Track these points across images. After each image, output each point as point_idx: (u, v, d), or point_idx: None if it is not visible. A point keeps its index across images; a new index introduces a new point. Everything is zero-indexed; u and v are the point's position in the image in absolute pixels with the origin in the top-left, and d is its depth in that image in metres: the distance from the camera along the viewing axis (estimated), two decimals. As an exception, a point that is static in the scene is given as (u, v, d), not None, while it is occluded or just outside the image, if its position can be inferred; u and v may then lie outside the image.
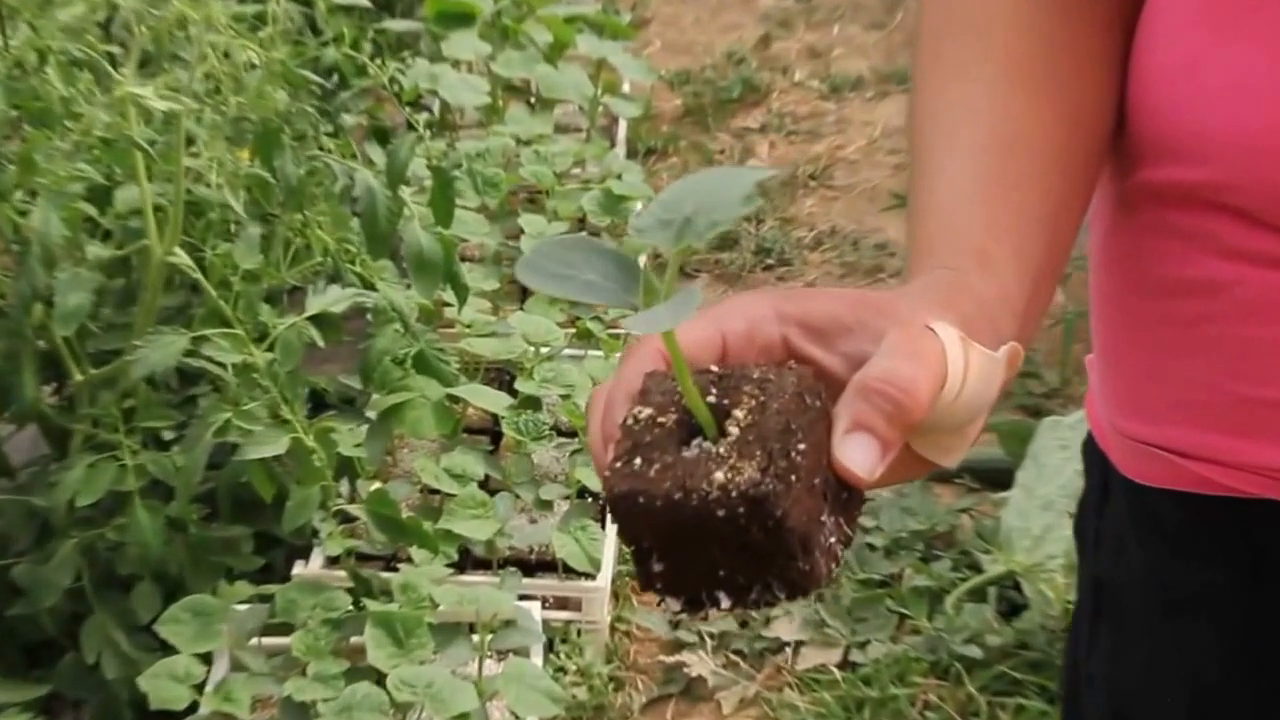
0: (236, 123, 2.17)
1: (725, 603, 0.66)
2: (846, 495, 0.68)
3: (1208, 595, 0.96)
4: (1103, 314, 0.97)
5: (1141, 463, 0.95)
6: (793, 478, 0.64)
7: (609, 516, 0.68)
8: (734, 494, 0.63)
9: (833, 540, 0.67)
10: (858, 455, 0.67)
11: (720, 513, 0.63)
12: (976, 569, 2.59)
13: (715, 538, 0.64)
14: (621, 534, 0.66)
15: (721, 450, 0.64)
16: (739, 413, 0.66)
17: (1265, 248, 0.82)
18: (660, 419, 0.67)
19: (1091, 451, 1.04)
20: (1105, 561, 1.03)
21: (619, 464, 0.65)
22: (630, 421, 0.67)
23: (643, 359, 0.71)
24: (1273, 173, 0.80)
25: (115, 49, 2.14)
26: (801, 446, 0.65)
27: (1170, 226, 0.87)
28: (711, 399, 0.67)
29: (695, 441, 0.66)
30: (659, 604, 0.68)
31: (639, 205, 3.17)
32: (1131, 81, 0.88)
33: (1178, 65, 0.83)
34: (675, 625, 2.52)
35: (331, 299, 2.11)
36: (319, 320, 2.12)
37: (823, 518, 0.67)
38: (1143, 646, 0.99)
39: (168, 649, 1.97)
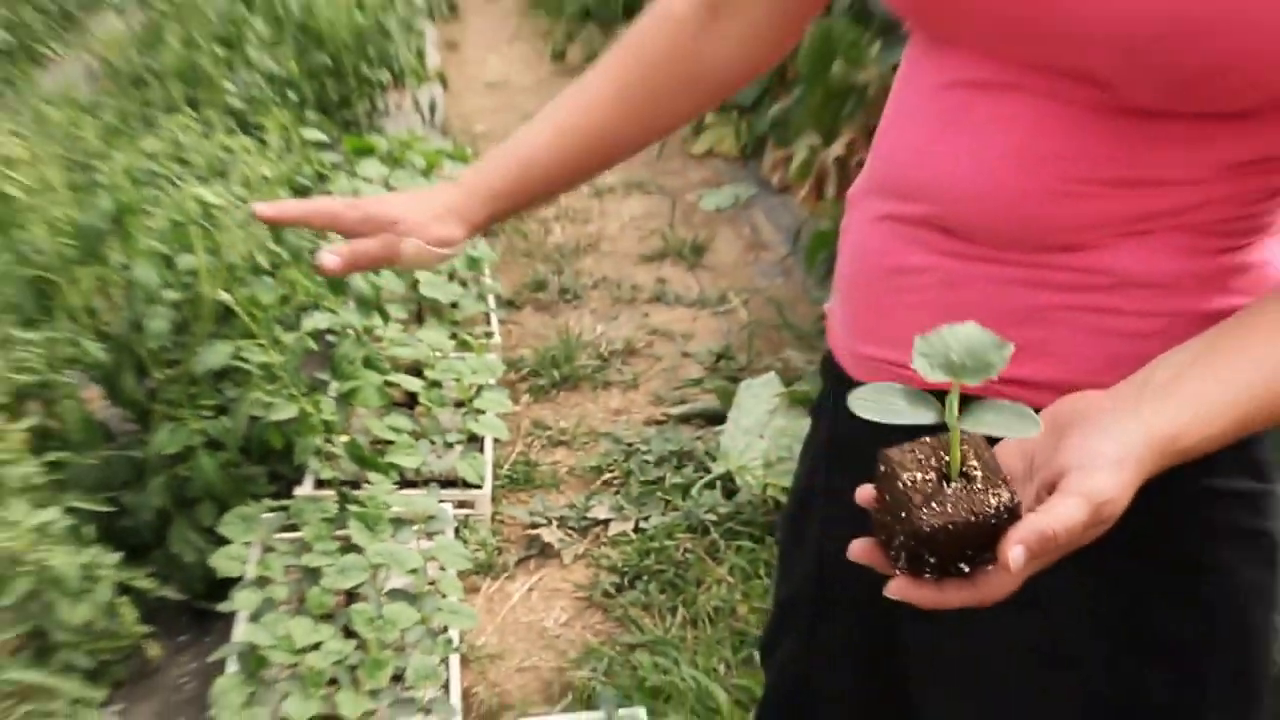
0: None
1: (965, 569, 0.75)
2: None
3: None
4: (850, 286, 1.10)
5: (867, 368, 1.08)
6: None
7: (918, 546, 0.74)
8: (1004, 510, 0.73)
9: None
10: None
11: (993, 522, 0.73)
12: (707, 470, 2.99)
13: (979, 539, 0.73)
14: (922, 557, 0.74)
15: (979, 486, 0.73)
16: (971, 463, 0.75)
17: (955, 248, 0.98)
18: (926, 478, 0.75)
19: (830, 365, 1.17)
20: (840, 426, 1.17)
21: (924, 511, 0.73)
22: (911, 483, 0.75)
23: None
24: (964, 209, 0.97)
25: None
26: (1006, 476, 0.75)
27: (899, 234, 1.02)
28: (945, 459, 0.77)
29: (948, 487, 0.75)
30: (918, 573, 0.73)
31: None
32: (891, 153, 1.03)
33: (920, 146, 0.99)
34: (531, 515, 2.82)
35: (317, 322, 2.45)
36: (310, 334, 2.38)
37: None
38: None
39: (222, 541, 2.26)
